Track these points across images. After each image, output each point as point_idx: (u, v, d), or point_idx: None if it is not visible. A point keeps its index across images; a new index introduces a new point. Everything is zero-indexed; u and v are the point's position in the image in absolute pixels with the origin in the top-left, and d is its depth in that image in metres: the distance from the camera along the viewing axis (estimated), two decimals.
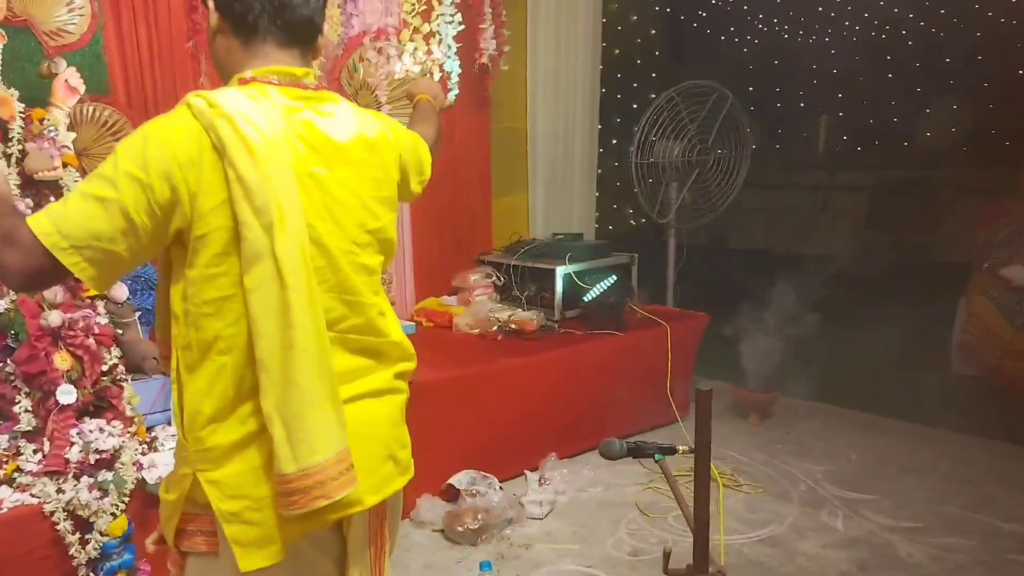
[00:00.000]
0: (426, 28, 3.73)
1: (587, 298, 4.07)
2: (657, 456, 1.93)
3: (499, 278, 4.20)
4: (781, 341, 4.12)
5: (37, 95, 2.74)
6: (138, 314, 2.59)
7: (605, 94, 5.17)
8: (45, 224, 1.19)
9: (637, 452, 1.97)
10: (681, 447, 1.92)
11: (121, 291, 2.52)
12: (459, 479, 3.13)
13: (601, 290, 4.07)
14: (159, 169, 1.20)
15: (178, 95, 3.15)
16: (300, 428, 1.25)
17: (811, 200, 7.55)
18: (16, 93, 2.60)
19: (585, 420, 3.69)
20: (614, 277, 4.12)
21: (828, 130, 7.68)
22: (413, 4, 3.67)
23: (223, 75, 1.40)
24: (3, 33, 2.63)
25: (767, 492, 3.41)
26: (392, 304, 3.80)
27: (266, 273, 1.22)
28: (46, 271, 1.20)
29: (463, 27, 3.85)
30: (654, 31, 6.44)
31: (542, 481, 3.30)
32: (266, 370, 1.24)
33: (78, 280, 1.24)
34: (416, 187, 1.66)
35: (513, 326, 3.82)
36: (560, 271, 4.06)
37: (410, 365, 1.54)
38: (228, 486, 1.30)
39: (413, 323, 3.94)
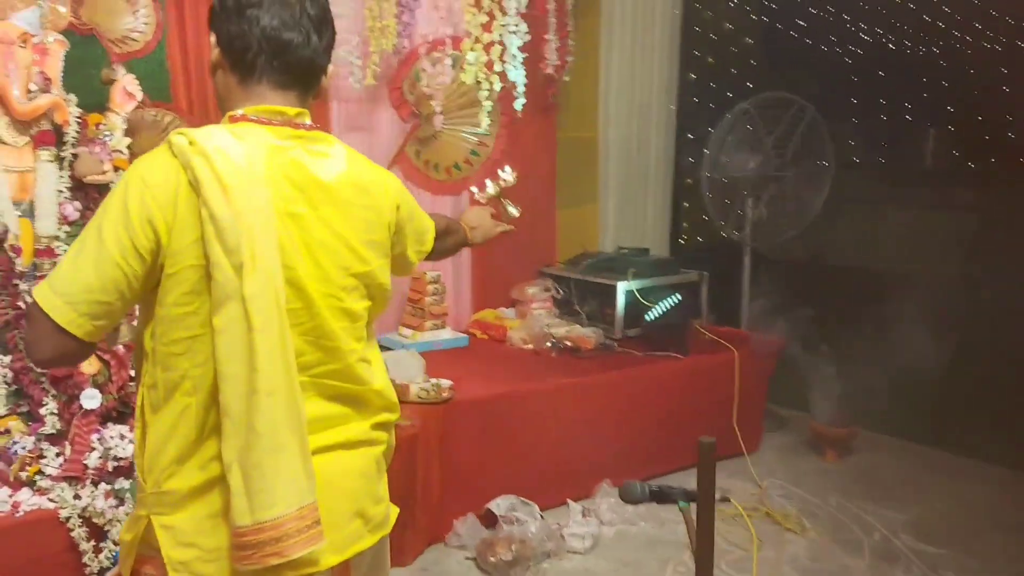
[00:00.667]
0: (487, 38, 3.67)
1: (649, 317, 3.90)
2: (681, 504, 1.79)
3: (558, 292, 4.09)
4: (867, 371, 3.85)
5: (98, 101, 2.81)
6: None
7: (692, 104, 4.97)
8: (44, 289, 1.20)
9: (660, 497, 1.83)
10: None
11: None
12: (498, 504, 3.03)
13: (664, 309, 3.90)
14: (140, 214, 1.19)
15: None
16: (258, 478, 1.19)
17: (913, 218, 7.09)
18: (74, 98, 2.67)
19: (640, 448, 3.52)
20: (678, 296, 3.94)
21: (937, 144, 7.21)
22: (474, 14, 3.61)
23: (222, 109, 1.37)
24: (65, 40, 2.70)
25: (835, 539, 3.14)
26: (444, 316, 3.80)
27: (234, 314, 1.18)
28: (51, 336, 1.19)
29: (528, 37, 3.76)
30: (750, 40, 6.19)
31: (586, 513, 3.15)
32: (228, 415, 1.20)
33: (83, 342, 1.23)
34: (413, 255, 1.58)
35: (569, 343, 3.70)
36: (622, 287, 3.91)
37: (392, 416, 1.46)
38: (181, 532, 1.25)
39: (466, 335, 3.87)
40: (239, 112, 1.30)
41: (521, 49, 3.76)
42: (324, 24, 1.35)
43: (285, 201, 1.26)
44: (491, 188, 2.05)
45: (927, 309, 3.98)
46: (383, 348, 3.49)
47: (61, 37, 2.69)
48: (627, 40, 4.56)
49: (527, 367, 3.53)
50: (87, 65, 2.87)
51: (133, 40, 3.02)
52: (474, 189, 2.09)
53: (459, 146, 3.95)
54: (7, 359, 2.21)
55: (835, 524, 3.28)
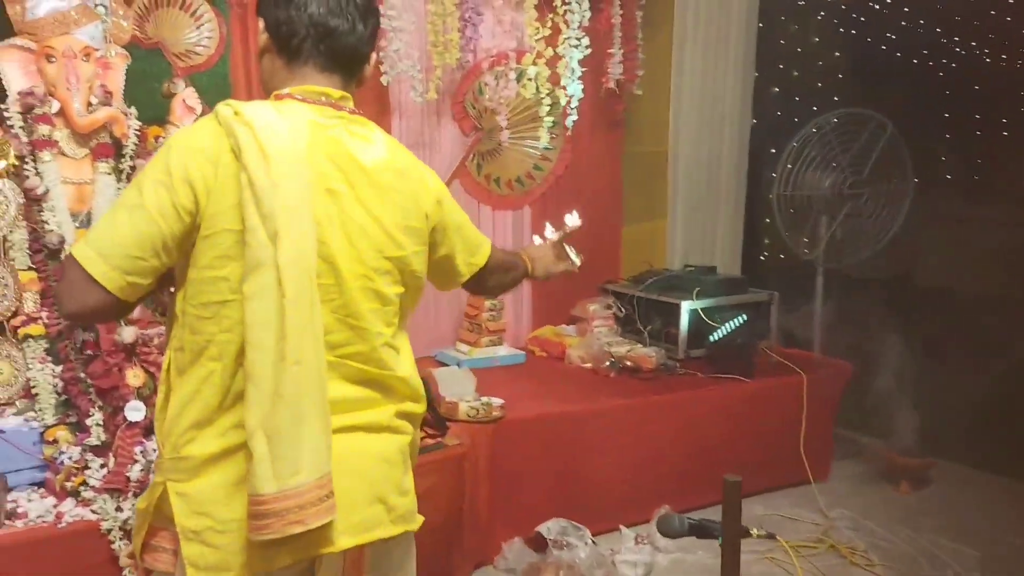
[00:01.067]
0: (550, 52, 3.61)
1: (714, 337, 3.76)
2: (721, 539, 1.68)
3: (620, 309, 3.98)
4: (947, 398, 3.61)
5: (159, 114, 2.86)
6: None
7: (770, 119, 4.79)
8: (80, 243, 1.25)
9: (700, 532, 1.72)
10: (755, 530, 1.66)
11: None
12: (548, 527, 2.94)
13: (730, 329, 3.75)
14: (180, 173, 1.22)
15: None
16: (284, 445, 1.19)
17: (1005, 238, 6.69)
18: (134, 111, 2.71)
19: (700, 473, 3.37)
20: (744, 316, 3.78)
21: None
22: (537, 28, 3.56)
23: (266, 91, 1.41)
24: (127, 54, 2.76)
25: None
26: (502, 332, 3.73)
27: (266, 281, 1.20)
28: (82, 286, 1.22)
29: (590, 50, 3.69)
30: (837, 54, 5.96)
31: (639, 540, 3.03)
32: (254, 382, 1.20)
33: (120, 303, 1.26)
34: (463, 266, 1.59)
35: (629, 363, 3.58)
36: (686, 306, 3.78)
37: (417, 407, 1.45)
38: (195, 501, 1.26)
39: (523, 352, 3.80)
40: (284, 91, 1.35)
41: (583, 63, 3.69)
42: (369, 13, 1.40)
43: (323, 177, 1.28)
44: (553, 234, 1.99)
45: (1013, 334, 3.73)
46: (439, 364, 3.50)
47: (123, 51, 2.74)
48: (700, 53, 4.41)
49: (584, 386, 3.44)
50: (150, 79, 2.93)
51: (196, 54, 3.07)
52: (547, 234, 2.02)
53: (521, 160, 3.90)
54: (59, 369, 2.25)
55: (906, 560, 3.08)
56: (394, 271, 1.36)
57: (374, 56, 1.45)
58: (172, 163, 1.23)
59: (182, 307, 1.29)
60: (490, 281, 1.72)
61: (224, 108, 1.27)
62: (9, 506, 2.07)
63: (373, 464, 1.36)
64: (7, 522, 2.01)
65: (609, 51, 3.85)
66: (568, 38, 3.63)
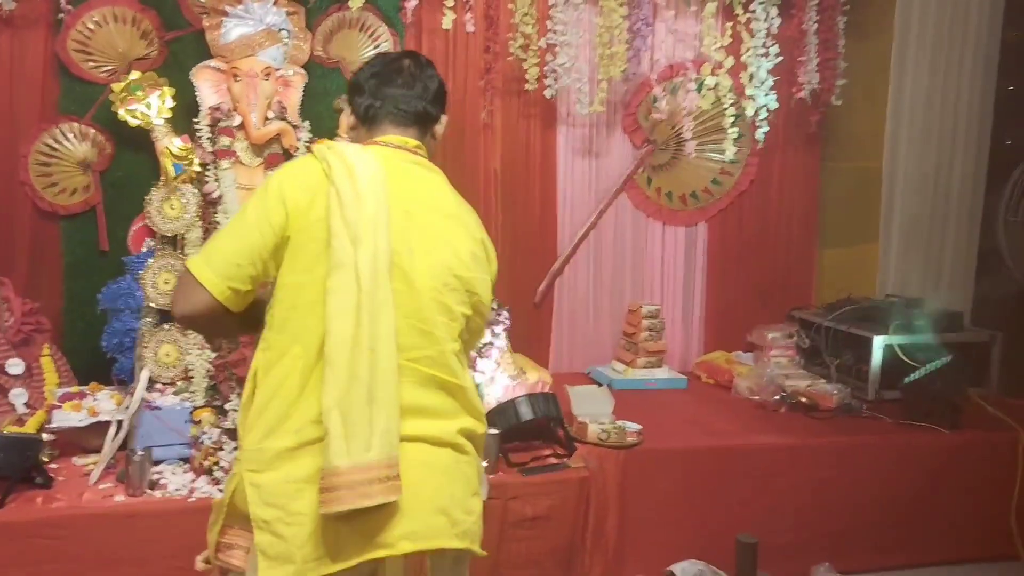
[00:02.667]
0: (730, 61, 3.44)
1: (911, 379, 3.36)
2: None
3: (804, 340, 3.69)
4: None
5: (331, 128, 3.11)
6: None
7: (1013, 133, 4.22)
8: (194, 255, 1.56)
9: None
10: None
11: None
12: (683, 568, 2.78)
13: (931, 371, 3.34)
14: (276, 194, 1.45)
15: (467, 128, 3.36)
16: (357, 423, 1.32)
17: None
18: (307, 125, 2.98)
19: (874, 532, 3.02)
20: (950, 357, 3.35)
21: None
22: (716, 37, 3.41)
23: None
24: (305, 73, 3.03)
25: None
26: (661, 353, 3.61)
27: (346, 279, 1.36)
28: (189, 290, 1.45)
29: (780, 59, 3.47)
30: None
31: None
32: (332, 365, 1.34)
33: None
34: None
35: (804, 399, 3.31)
36: (879, 341, 3.42)
37: (478, 427, 1.53)
38: (268, 492, 1.38)
39: (685, 377, 3.64)
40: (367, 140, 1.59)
41: (772, 72, 3.48)
42: (439, 96, 1.64)
43: (401, 200, 1.46)
44: None
45: None
46: (591, 381, 3.47)
47: (302, 71, 3.02)
48: (927, 59, 3.98)
49: (745, 420, 3.22)
50: (330, 95, 3.19)
51: None
52: None
53: (698, 174, 3.76)
54: (212, 356, 2.53)
55: None
56: (461, 290, 1.50)
57: (445, 118, 1.67)
58: (271, 187, 1.47)
59: (271, 312, 1.47)
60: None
61: (319, 145, 1.52)
62: (154, 477, 2.35)
63: (437, 476, 1.44)
64: (148, 491, 2.29)
65: (801, 59, 3.60)
66: (754, 47, 3.45)
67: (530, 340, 3.70)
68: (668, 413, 3.24)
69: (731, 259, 3.91)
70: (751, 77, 3.49)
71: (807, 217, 4.00)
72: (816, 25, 3.63)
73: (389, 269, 1.39)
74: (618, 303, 3.80)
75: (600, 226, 3.76)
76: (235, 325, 1.57)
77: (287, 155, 2.89)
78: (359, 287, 1.35)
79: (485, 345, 3.06)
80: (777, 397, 3.33)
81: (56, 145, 2.96)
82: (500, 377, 3.04)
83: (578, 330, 3.81)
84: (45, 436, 2.54)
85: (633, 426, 2.84)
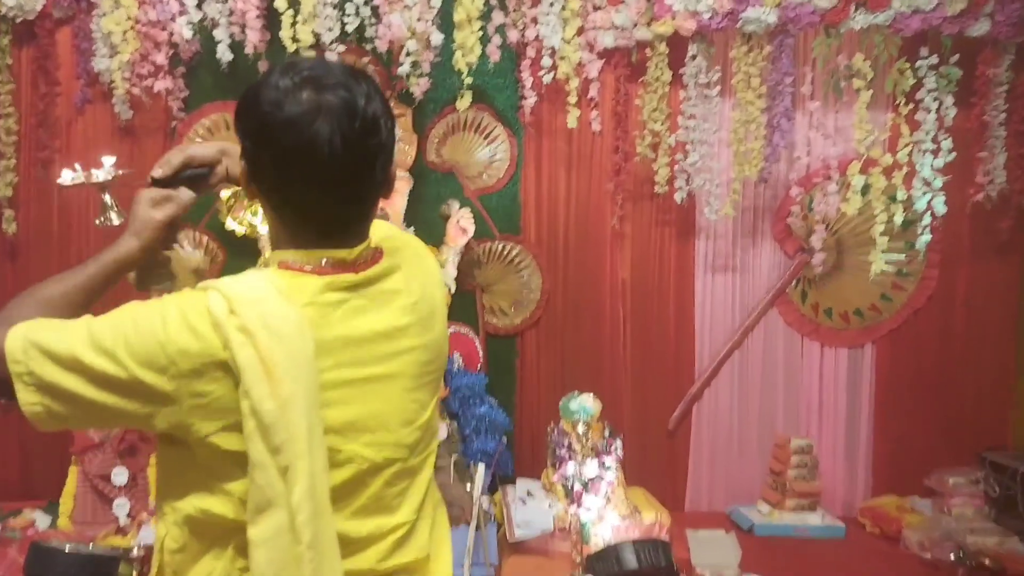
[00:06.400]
0: (888, 160, 3.18)
1: None
2: None
3: (995, 488, 3.21)
4: None
5: (438, 234, 3.16)
6: (454, 457, 2.69)
7: None
8: (17, 344, 1.11)
9: None
10: None
11: (440, 431, 2.67)
12: None
13: None
14: (148, 361, 1.10)
15: (590, 235, 3.31)
16: None
17: None
18: (411, 231, 3.03)
19: None
20: None
21: None
22: (868, 132, 3.17)
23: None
24: (410, 178, 3.11)
25: None
26: (815, 496, 3.24)
27: (278, 525, 1.09)
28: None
29: (953, 155, 3.16)
30: None
31: None
32: None
33: None
34: None
35: (987, 560, 2.84)
36: None
37: None
38: None
39: (843, 524, 3.24)
40: (289, 258, 1.18)
41: (942, 171, 3.18)
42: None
43: (340, 369, 1.15)
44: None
45: None
46: (731, 523, 3.17)
47: (407, 175, 3.10)
48: None
49: None
50: (440, 200, 3.26)
51: (488, 175, 3.34)
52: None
53: (864, 288, 3.45)
54: None
55: None
56: (423, 437, 1.28)
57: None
58: (157, 335, 1.10)
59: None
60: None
61: (216, 303, 1.10)
62: None
63: None
64: None
65: (979, 155, 3.27)
66: (917, 142, 3.17)
67: (662, 472, 3.47)
68: (815, 568, 2.90)
69: (905, 387, 3.51)
70: (913, 177, 3.20)
71: (1002, 339, 3.54)
72: (1004, 115, 3.30)
73: (326, 497, 1.12)
74: (767, 433, 3.49)
75: (746, 345, 3.51)
76: None
77: None
78: (295, 538, 1.09)
79: (593, 478, 2.89)
80: (954, 556, 2.88)
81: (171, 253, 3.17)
82: (609, 515, 2.84)
83: (719, 463, 3.52)
84: (135, 552, 2.61)
85: None
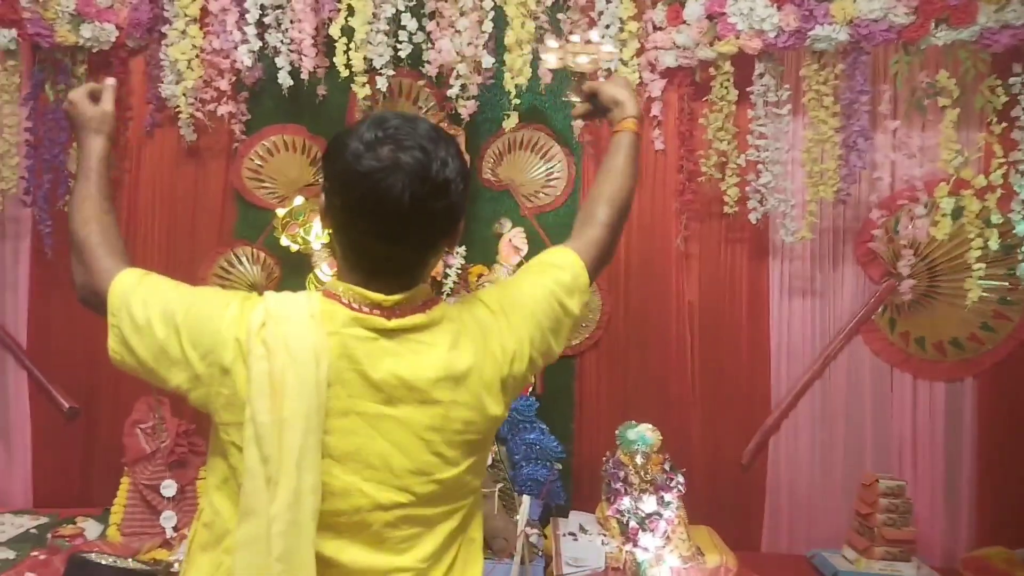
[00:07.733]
0: (981, 181, 2.93)
1: None
2: None
3: None
4: None
5: (491, 253, 3.11)
6: (499, 486, 2.58)
7: None
8: (116, 300, 1.30)
9: None
10: None
11: None
12: None
13: None
14: (203, 345, 1.25)
15: (655, 253, 3.19)
16: None
17: None
18: (462, 251, 2.99)
19: None
20: None
21: None
22: (956, 152, 2.93)
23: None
24: None
25: None
26: (909, 544, 2.95)
27: (255, 532, 1.18)
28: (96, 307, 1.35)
29: None
30: None
31: None
32: None
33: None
34: (568, 318, 1.43)
35: None
36: None
37: None
38: None
39: (938, 573, 2.93)
40: (334, 288, 1.28)
41: None
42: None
43: (351, 399, 1.22)
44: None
45: None
46: (814, 570, 2.93)
47: None
48: None
49: None
50: (495, 219, 3.23)
51: (545, 194, 3.27)
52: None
53: (962, 317, 3.16)
54: None
55: None
56: (441, 494, 1.28)
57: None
58: (206, 330, 1.27)
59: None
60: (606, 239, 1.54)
61: (255, 314, 1.23)
62: None
63: None
64: None
65: None
66: (1017, 162, 2.91)
67: (734, 511, 3.24)
68: None
69: (1015, 426, 3.18)
70: (1011, 200, 2.93)
71: None
72: None
73: (310, 519, 1.18)
74: (855, 471, 3.21)
75: (827, 375, 3.26)
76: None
77: (435, 282, 2.90)
78: (268, 549, 1.17)
79: (651, 515, 2.73)
80: None
81: (231, 268, 3.25)
82: (669, 557, 2.66)
83: (799, 502, 3.26)
84: (176, 567, 2.62)
85: None
